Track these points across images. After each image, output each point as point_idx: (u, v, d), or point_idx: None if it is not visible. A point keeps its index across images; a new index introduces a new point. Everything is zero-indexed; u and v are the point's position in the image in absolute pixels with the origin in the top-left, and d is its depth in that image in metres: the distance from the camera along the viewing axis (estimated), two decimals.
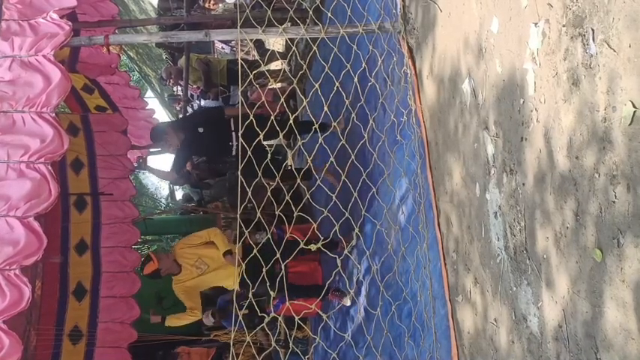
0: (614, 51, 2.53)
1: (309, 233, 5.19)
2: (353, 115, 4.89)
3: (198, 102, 12.61)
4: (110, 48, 5.22)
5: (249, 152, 4.46)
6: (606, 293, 2.63)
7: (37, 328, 7.54)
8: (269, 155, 5.00)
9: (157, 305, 10.99)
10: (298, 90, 6.21)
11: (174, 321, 7.69)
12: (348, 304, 6.96)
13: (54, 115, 4.41)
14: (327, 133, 5.68)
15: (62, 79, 4.39)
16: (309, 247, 4.74)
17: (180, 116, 11.54)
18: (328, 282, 5.12)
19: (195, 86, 12.11)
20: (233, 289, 6.75)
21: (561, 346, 3.04)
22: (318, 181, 5.12)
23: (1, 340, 4.19)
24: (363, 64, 5.19)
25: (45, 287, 7.97)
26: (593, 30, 2.65)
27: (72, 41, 4.79)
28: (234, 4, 10.90)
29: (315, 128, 5.15)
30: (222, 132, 7.50)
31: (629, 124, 2.44)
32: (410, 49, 5.28)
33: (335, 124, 5.09)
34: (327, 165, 6.26)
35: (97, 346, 8.07)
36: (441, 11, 4.58)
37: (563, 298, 3.01)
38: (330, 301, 7.72)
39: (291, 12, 6.04)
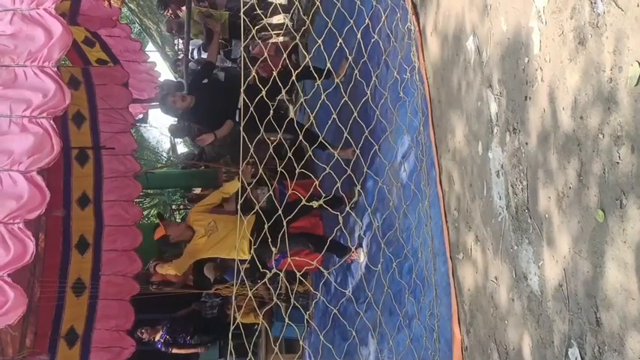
0: (622, 10, 2.50)
1: (311, 189, 5.20)
2: (356, 71, 4.86)
3: (198, 56, 12.50)
4: (111, 1, 5.17)
5: (251, 108, 4.43)
6: (607, 254, 2.65)
7: (40, 280, 7.61)
8: (271, 111, 4.97)
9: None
10: (300, 45, 6.15)
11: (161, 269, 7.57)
12: (362, 259, 6.91)
13: (55, 69, 4.39)
14: (330, 71, 5.61)
15: (63, 33, 4.36)
16: (310, 203, 4.75)
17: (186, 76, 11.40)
18: (330, 238, 5.13)
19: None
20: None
21: (561, 305, 3.07)
22: (320, 139, 5.10)
23: (6, 293, 4.24)
24: (367, 20, 5.14)
25: (48, 240, 8.03)
26: None
27: None
28: None
29: (317, 76, 5.11)
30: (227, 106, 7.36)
31: (635, 85, 2.42)
32: (414, 5, 5.23)
33: (342, 64, 4.99)
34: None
35: (99, 298, 8.16)
36: None
37: (564, 258, 3.02)
38: (332, 258, 7.71)
39: None
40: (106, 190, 8.45)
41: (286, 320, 5.06)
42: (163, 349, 10.55)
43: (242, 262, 6.39)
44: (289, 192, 5.40)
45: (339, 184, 4.55)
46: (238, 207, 4.84)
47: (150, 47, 20.97)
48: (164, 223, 7.35)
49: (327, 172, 4.57)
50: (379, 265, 4.92)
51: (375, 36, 5.13)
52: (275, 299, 5.92)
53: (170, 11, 12.54)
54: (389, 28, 5.34)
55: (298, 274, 4.63)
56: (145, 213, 15.91)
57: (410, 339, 4.97)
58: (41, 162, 4.28)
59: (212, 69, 8.00)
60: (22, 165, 4.23)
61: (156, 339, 10.39)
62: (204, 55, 12.30)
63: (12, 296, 4.22)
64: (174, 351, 10.69)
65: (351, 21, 4.94)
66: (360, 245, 6.82)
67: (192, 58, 12.01)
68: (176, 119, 9.53)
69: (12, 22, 4.33)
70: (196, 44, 11.95)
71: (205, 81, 7.57)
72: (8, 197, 4.22)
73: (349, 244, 6.70)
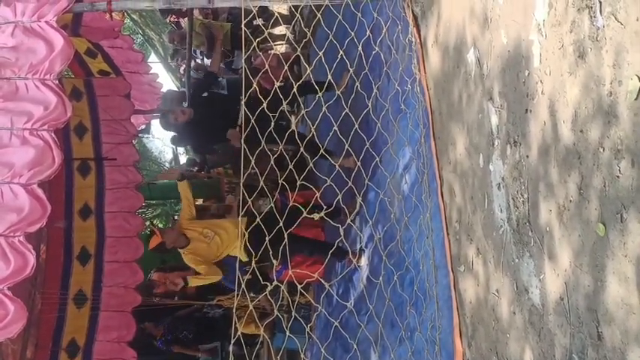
0: (622, 24, 2.50)
1: (313, 200, 5.18)
2: (357, 83, 4.86)
3: (201, 59, 12.54)
4: (113, 13, 5.18)
5: (252, 120, 4.43)
6: (608, 267, 2.64)
7: (42, 292, 7.60)
8: (272, 123, 4.97)
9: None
10: (302, 57, 6.15)
11: (197, 281, 7.55)
12: (363, 262, 6.87)
13: (57, 82, 4.40)
14: (331, 83, 5.61)
15: (65, 46, 4.37)
16: (312, 215, 4.74)
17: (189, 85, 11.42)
18: (331, 251, 5.12)
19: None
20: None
21: (562, 318, 3.06)
22: (322, 150, 5.09)
23: (6, 306, 4.23)
24: (368, 32, 5.14)
25: (49, 251, 8.02)
26: (600, 2, 2.62)
27: (74, 7, 4.75)
28: None
29: (319, 89, 5.10)
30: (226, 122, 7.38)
31: (635, 99, 2.42)
32: (415, 17, 5.23)
33: (343, 75, 4.97)
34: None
35: (101, 310, 8.13)
36: None
37: (565, 271, 3.01)
38: (337, 265, 7.66)
39: None
40: (108, 201, 8.44)
41: (287, 332, 5.05)
42: (164, 348, 10.51)
43: (243, 270, 6.38)
44: (291, 203, 5.39)
45: (340, 196, 4.54)
46: (240, 217, 4.84)
47: (152, 58, 21.01)
48: (160, 231, 7.37)
49: (328, 183, 4.57)
50: (380, 278, 4.90)
51: (376, 48, 5.13)
52: (277, 313, 5.89)
53: (173, 17, 12.59)
54: (390, 40, 5.34)
55: (299, 287, 4.63)
56: (147, 224, 15.87)
57: (411, 352, 4.95)
58: (42, 175, 4.28)
59: (213, 81, 7.98)
60: (23, 178, 4.23)
61: (157, 337, 10.34)
62: (207, 61, 12.34)
63: (12, 310, 4.21)
64: (177, 349, 10.64)
65: (352, 33, 4.95)
66: (362, 250, 6.80)
67: (194, 53, 12.03)
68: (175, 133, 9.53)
69: (14, 34, 4.34)
70: None
71: (205, 94, 7.55)
72: (9, 210, 4.21)
73: (350, 256, 6.68)
